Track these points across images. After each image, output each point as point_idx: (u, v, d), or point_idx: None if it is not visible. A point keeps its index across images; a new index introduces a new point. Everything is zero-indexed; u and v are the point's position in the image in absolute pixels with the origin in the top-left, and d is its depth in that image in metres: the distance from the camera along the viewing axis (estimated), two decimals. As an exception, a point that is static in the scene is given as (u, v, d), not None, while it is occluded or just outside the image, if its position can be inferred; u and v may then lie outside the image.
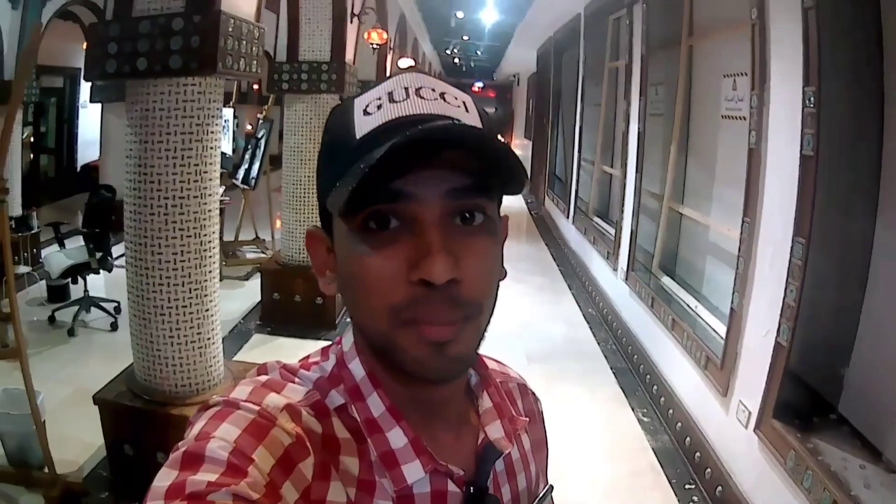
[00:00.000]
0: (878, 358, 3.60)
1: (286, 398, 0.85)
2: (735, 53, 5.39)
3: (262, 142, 10.58)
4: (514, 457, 1.03)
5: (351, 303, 0.87)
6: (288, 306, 7.83)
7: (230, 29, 4.02)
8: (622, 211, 8.35)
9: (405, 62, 15.14)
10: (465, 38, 23.50)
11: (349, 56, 7.91)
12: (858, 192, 3.62)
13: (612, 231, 9.03)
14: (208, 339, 4.36)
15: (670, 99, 7.15)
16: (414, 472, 0.85)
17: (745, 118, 4.79)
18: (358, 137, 0.82)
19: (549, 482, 1.14)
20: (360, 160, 0.76)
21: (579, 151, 12.21)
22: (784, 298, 3.88)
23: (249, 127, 10.86)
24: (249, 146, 10.89)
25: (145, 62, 3.94)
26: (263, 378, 0.90)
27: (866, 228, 3.65)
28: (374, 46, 10.83)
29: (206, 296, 4.31)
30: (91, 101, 13.63)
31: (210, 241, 4.29)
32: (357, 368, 0.91)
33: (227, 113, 13.61)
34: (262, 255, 10.32)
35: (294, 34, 7.65)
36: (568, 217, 12.69)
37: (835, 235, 3.67)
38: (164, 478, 0.71)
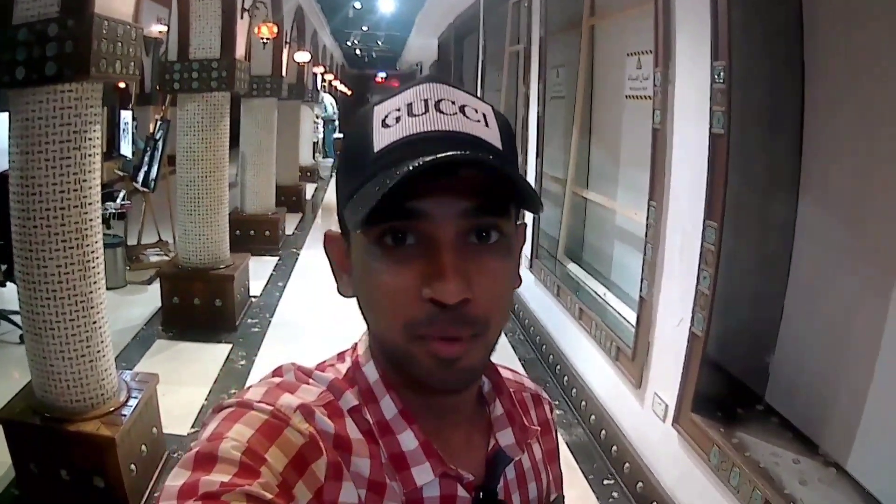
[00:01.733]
0: (807, 345, 3.45)
1: (300, 398, 0.86)
2: (640, 30, 5.24)
3: (160, 143, 10.30)
4: (526, 465, 1.05)
5: (367, 312, 0.89)
6: (188, 310, 7.57)
7: (104, 31, 3.86)
8: None
9: (301, 56, 14.72)
10: (365, 28, 23.32)
11: (240, 52, 7.66)
12: (777, 172, 3.47)
13: None
14: (98, 352, 4.21)
15: (572, 81, 7.05)
16: (423, 474, 0.87)
17: (649, 98, 4.58)
18: (376, 150, 0.82)
19: (562, 493, 1.20)
20: (377, 177, 0.79)
21: None
22: (697, 286, 3.69)
23: (152, 129, 10.61)
24: (148, 148, 10.60)
25: (23, 71, 3.76)
26: (278, 379, 0.91)
27: (787, 210, 3.49)
28: (265, 41, 10.45)
29: (92, 308, 4.16)
30: (-1, 110, 12.94)
31: (94, 252, 4.12)
32: (371, 371, 0.94)
33: (127, 115, 13.34)
34: (166, 258, 9.97)
35: (185, 32, 7.35)
36: None
37: (751, 218, 3.50)
38: (177, 477, 0.71)
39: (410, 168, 0.73)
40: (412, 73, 33.54)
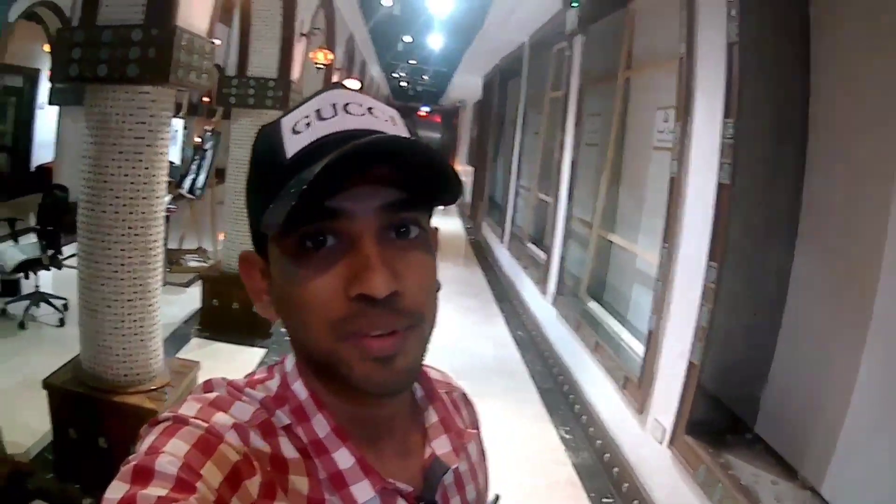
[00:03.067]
0: (795, 380, 3.77)
1: (234, 418, 0.84)
2: (669, 87, 5.54)
3: (209, 153, 10.60)
4: (462, 469, 1.05)
5: (291, 323, 0.87)
6: (226, 313, 7.84)
7: (184, 43, 4.22)
8: (553, 236, 8.52)
9: (351, 83, 15.21)
10: (413, 62, 23.62)
11: (295, 74, 8.01)
12: (775, 222, 3.81)
13: (544, 256, 9.17)
14: (149, 332, 4.52)
15: (605, 130, 7.33)
16: (363, 492, 0.86)
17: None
18: (289, 157, 0.82)
19: (496, 492, 1.15)
20: (294, 180, 0.77)
21: (518, 178, 12.37)
22: (698, 320, 4.06)
23: (199, 139, 10.90)
24: (197, 157, 10.89)
25: (105, 69, 4.12)
26: (211, 395, 0.88)
27: (783, 257, 3.83)
28: (320, 66, 10.91)
29: (148, 292, 4.47)
30: (49, 103, 13.56)
31: (155, 241, 4.45)
32: (300, 389, 0.90)
33: (178, 123, 13.63)
34: (204, 265, 10.32)
35: (244, 50, 7.74)
36: (503, 242, 12.80)
37: (749, 262, 3.85)
38: (116, 491, 0.71)
39: (329, 160, 0.73)
40: (455, 109, 33.86)
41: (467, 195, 20.11)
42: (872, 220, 3.25)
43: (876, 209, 3.21)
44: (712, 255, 3.96)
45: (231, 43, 7.86)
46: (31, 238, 7.98)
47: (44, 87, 14.32)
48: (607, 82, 7.32)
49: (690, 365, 4.12)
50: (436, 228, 0.96)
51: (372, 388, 0.81)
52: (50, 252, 7.66)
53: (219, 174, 11.05)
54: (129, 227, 4.29)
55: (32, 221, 8.29)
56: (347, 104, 0.86)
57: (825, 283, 3.64)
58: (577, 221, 7.79)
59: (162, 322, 4.70)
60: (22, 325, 7.34)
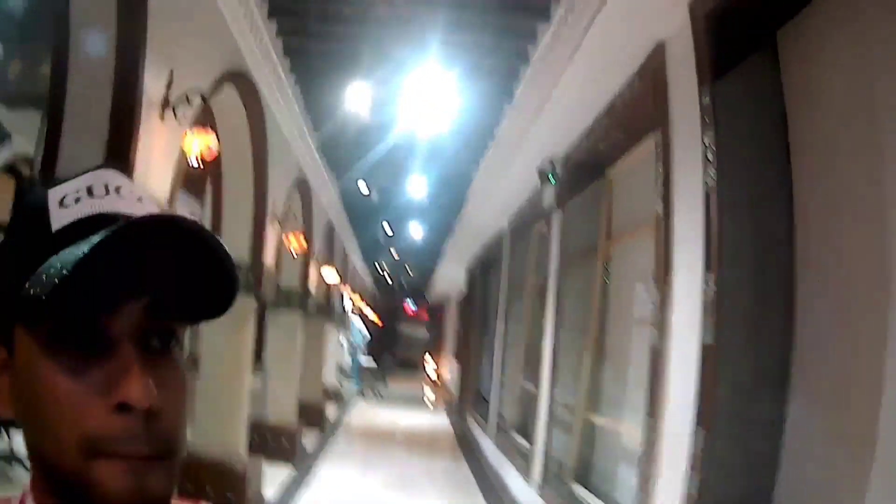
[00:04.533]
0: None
1: None
2: (648, 256, 5.39)
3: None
4: None
5: (33, 430, 0.75)
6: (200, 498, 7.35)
7: None
8: (536, 424, 8.24)
9: (329, 273, 15.02)
10: (395, 255, 23.82)
11: (269, 259, 7.86)
12: (764, 377, 3.54)
13: (529, 445, 8.90)
14: None
15: (587, 309, 7.21)
16: None
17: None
18: (54, 230, 0.75)
19: None
20: (60, 254, 0.70)
21: (502, 369, 12.22)
22: (687, 491, 3.68)
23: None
24: None
25: None
26: None
27: (774, 411, 3.53)
28: (293, 251, 10.73)
29: None
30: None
31: None
32: None
33: None
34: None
35: (216, 230, 7.61)
36: (488, 434, 12.55)
37: (739, 420, 3.55)
38: None
39: (105, 237, 0.67)
40: (440, 304, 33.96)
41: (455, 391, 20.04)
42: (868, 361, 3.01)
43: (871, 348, 2.97)
44: (700, 420, 3.64)
45: (202, 220, 7.72)
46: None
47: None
48: (587, 259, 7.25)
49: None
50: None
51: None
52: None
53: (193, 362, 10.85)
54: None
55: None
56: (119, 187, 0.81)
57: (821, 433, 3.36)
58: (561, 407, 7.53)
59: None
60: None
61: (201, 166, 4.97)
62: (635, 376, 5.89)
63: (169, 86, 4.57)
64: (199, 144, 4.94)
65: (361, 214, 16.35)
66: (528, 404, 10.28)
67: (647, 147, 5.30)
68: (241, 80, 6.68)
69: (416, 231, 18.00)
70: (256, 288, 7.55)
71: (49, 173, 3.98)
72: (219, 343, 7.49)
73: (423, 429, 18.17)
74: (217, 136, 5.24)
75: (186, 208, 12.07)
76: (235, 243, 7.58)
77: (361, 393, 23.79)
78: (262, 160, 7.62)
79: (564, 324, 7.50)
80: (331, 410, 16.97)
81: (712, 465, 3.55)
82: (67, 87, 4.07)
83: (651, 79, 4.68)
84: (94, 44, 4.07)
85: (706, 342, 3.61)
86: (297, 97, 8.75)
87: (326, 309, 16.04)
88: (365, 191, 13.31)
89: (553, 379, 7.60)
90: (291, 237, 10.34)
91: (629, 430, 5.86)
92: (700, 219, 3.76)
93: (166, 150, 4.70)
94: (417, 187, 13.04)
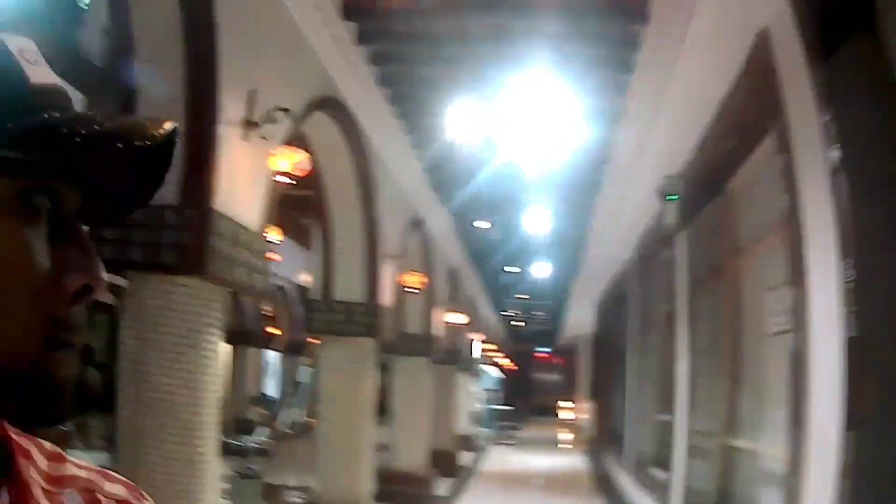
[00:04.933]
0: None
1: None
2: (777, 264, 5.15)
3: (305, 386, 10.63)
4: None
5: None
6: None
7: (223, 230, 3.96)
8: (673, 454, 8.07)
9: (453, 316, 14.82)
10: (523, 296, 23.64)
11: (386, 300, 7.78)
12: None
13: (666, 477, 8.72)
14: None
15: (719, 329, 6.96)
16: None
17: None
18: (34, 83, 0.63)
19: None
20: (67, 120, 0.62)
21: (636, 403, 12.09)
22: (839, 501, 3.38)
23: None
24: (292, 390, 10.99)
25: (140, 253, 3.89)
26: None
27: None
28: (412, 291, 10.51)
29: None
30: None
31: (203, 453, 4.08)
32: None
33: (272, 357, 13.92)
34: (306, 500, 9.94)
35: (328, 271, 7.56)
36: (624, 469, 12.40)
37: (893, 422, 3.24)
38: None
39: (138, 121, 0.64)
40: (572, 346, 33.62)
41: (589, 431, 19.86)
42: None
43: None
44: (849, 423, 3.33)
45: (312, 264, 7.74)
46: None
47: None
48: (715, 278, 7.03)
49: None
50: None
51: (57, 416, 0.64)
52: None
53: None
54: (171, 434, 3.92)
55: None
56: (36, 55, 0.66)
57: None
58: (698, 434, 7.35)
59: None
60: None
61: (292, 182, 4.87)
62: (775, 392, 5.58)
63: (250, 107, 4.58)
64: (288, 162, 4.82)
65: (483, 256, 16.24)
66: (663, 436, 10.09)
67: (763, 151, 5.11)
68: (335, 109, 6.72)
69: (541, 270, 17.75)
70: (374, 329, 7.47)
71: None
72: (338, 385, 7.43)
73: (558, 471, 18.06)
74: (310, 155, 5.13)
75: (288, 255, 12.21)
76: (348, 283, 7.52)
77: (496, 439, 23.63)
78: (370, 197, 7.59)
79: (696, 348, 7.33)
80: (465, 457, 16.83)
81: (863, 472, 3.26)
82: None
83: (759, 70, 4.52)
84: (159, 75, 4.14)
85: (850, 335, 3.33)
86: (401, 128, 8.70)
87: (455, 355, 15.94)
88: (484, 226, 13.18)
89: (688, 406, 7.44)
90: (410, 276, 10.23)
91: (771, 451, 5.56)
92: (829, 207, 3.54)
93: (252, 169, 4.70)
94: (538, 221, 12.76)
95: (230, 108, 4.41)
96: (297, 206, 9.97)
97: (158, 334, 3.89)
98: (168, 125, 0.65)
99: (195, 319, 3.95)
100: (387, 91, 7.90)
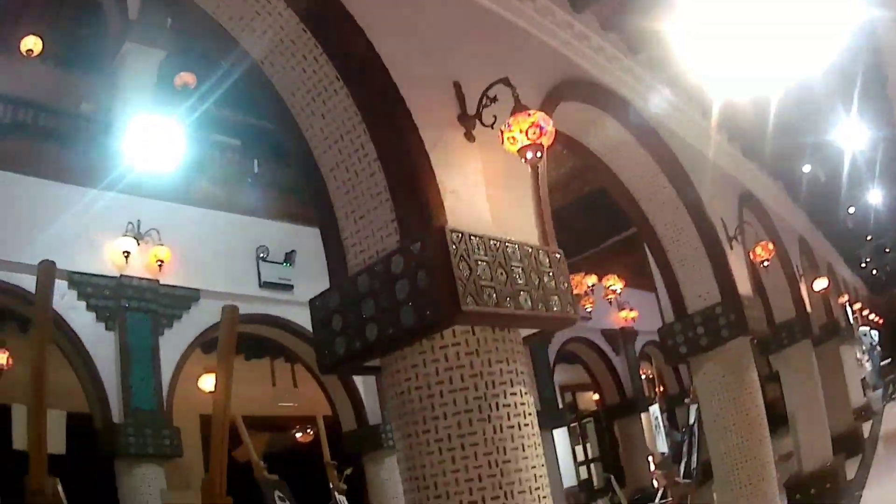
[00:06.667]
0: None
1: None
2: None
3: (695, 427, 9.72)
4: None
5: None
6: None
7: (467, 250, 3.05)
8: None
9: (819, 283, 13.19)
10: (869, 237, 21.35)
11: (744, 289, 6.72)
12: None
13: None
14: None
15: None
16: None
17: None
18: None
19: None
20: None
21: None
22: None
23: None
24: (685, 437, 10.18)
25: (375, 328, 3.11)
26: None
27: None
28: (764, 263, 9.36)
29: None
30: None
31: None
32: None
33: (655, 410, 14.20)
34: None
35: (672, 286, 6.59)
36: None
37: None
38: None
39: None
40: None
41: None
42: None
43: None
44: None
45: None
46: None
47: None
48: None
49: None
50: None
51: None
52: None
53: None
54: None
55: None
56: None
57: None
58: None
59: None
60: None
61: (536, 157, 3.86)
62: None
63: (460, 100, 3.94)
64: (521, 130, 3.81)
65: (819, 208, 14.48)
66: None
67: None
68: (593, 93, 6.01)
69: (875, 198, 15.49)
70: (740, 325, 6.42)
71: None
72: (720, 406, 6.47)
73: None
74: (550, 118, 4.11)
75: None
76: (697, 290, 6.54)
77: (890, 397, 21.55)
78: (686, 185, 6.55)
79: None
80: (864, 429, 15.19)
81: None
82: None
83: None
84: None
85: None
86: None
87: (833, 327, 14.36)
88: (807, 171, 11.59)
89: None
90: (757, 248, 8.90)
91: None
92: None
93: (496, 171, 3.94)
94: (852, 136, 11.01)
95: (433, 108, 3.69)
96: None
97: (432, 420, 3.09)
98: None
99: (479, 382, 3.09)
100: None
